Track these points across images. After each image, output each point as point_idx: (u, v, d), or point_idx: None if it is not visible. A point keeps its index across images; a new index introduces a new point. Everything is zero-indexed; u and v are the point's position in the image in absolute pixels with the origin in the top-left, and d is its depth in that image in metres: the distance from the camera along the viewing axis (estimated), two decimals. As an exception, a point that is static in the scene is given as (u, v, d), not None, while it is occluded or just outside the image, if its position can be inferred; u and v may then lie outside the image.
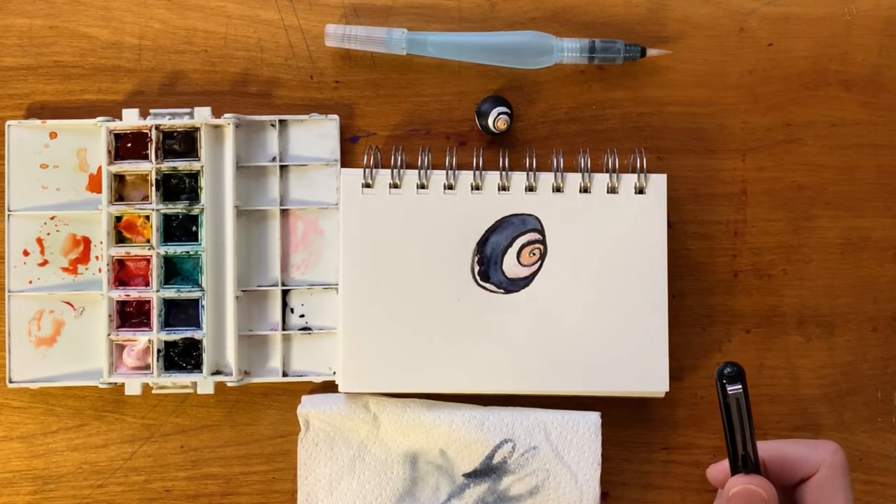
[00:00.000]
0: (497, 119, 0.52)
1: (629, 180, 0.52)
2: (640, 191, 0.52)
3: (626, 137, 0.54)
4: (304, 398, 0.52)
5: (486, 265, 0.51)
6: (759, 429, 0.54)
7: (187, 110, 0.52)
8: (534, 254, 0.51)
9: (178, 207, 0.51)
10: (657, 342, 0.51)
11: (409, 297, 0.51)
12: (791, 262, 0.54)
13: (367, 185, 0.52)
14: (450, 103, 0.54)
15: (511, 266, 0.51)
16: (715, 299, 0.54)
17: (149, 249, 0.51)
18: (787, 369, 0.54)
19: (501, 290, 0.51)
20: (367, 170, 0.52)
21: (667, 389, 0.51)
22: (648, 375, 0.51)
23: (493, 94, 0.54)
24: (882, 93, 0.55)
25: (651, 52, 0.53)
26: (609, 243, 0.51)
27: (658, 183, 0.52)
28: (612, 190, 0.52)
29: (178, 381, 0.52)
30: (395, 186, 0.52)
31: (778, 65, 0.55)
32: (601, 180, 0.52)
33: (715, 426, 0.54)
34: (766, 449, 0.44)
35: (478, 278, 0.51)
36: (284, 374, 0.53)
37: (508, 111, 0.52)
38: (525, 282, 0.51)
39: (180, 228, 0.52)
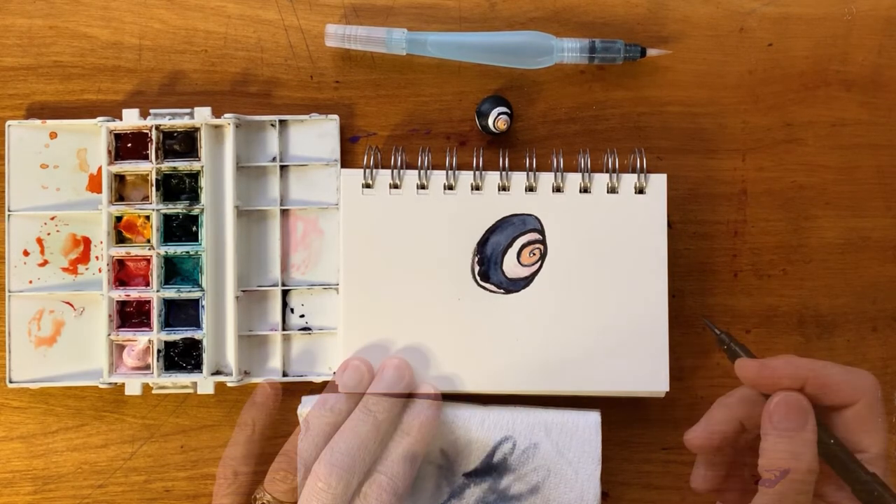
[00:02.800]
0: (497, 119, 0.52)
1: (629, 180, 0.52)
2: (640, 191, 0.52)
3: (626, 137, 0.54)
4: (305, 398, 0.52)
5: (487, 265, 0.51)
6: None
7: (187, 110, 0.52)
8: (534, 254, 0.51)
9: (178, 207, 0.52)
10: (657, 342, 0.51)
11: (410, 297, 0.51)
12: (791, 262, 0.54)
13: (368, 186, 0.52)
14: (450, 103, 0.54)
15: (511, 266, 0.51)
16: (715, 299, 0.54)
17: (149, 249, 0.51)
18: (787, 369, 0.54)
19: (501, 291, 0.51)
20: (367, 170, 0.52)
21: (667, 389, 0.51)
22: (648, 375, 0.51)
23: (493, 94, 0.54)
24: (882, 93, 0.55)
25: (651, 52, 0.53)
26: (609, 243, 0.51)
27: (658, 183, 0.52)
28: (611, 190, 0.52)
29: (178, 381, 0.52)
30: (396, 187, 0.52)
31: (778, 65, 0.55)
32: (601, 180, 0.52)
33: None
34: (807, 367, 0.43)
35: (478, 278, 0.51)
36: (284, 374, 0.53)
37: (508, 111, 0.52)
38: (525, 282, 0.51)
39: (180, 228, 0.52)
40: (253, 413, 0.49)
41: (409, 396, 0.51)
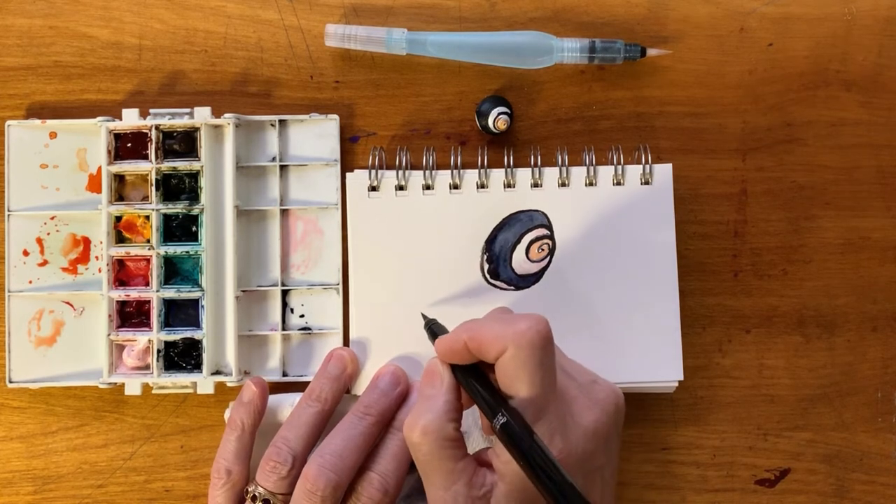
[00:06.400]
0: (497, 119, 0.52)
1: (635, 172, 0.52)
2: (646, 182, 0.52)
3: (626, 137, 0.54)
4: (231, 403, 0.51)
5: (496, 263, 0.51)
6: (759, 429, 0.54)
7: (187, 110, 0.52)
8: (542, 249, 0.51)
9: (178, 207, 0.51)
10: (670, 329, 0.51)
11: (421, 298, 0.51)
12: (791, 262, 0.54)
13: (373, 189, 0.52)
14: (450, 103, 0.54)
15: (520, 262, 0.51)
16: (715, 299, 0.54)
17: (149, 249, 0.51)
18: (787, 369, 0.54)
19: (512, 287, 0.51)
20: (373, 172, 0.51)
21: (681, 378, 0.51)
22: (663, 364, 0.51)
23: (493, 94, 0.54)
24: (882, 93, 0.55)
25: (651, 52, 0.53)
26: (617, 234, 0.51)
27: (664, 173, 0.52)
28: (617, 182, 0.52)
29: (178, 381, 0.51)
30: (401, 188, 0.52)
31: (778, 65, 0.55)
32: (606, 173, 0.52)
33: (715, 427, 0.54)
34: (465, 331, 0.43)
35: (488, 276, 0.51)
36: (284, 374, 0.52)
37: (508, 111, 0.52)
38: (535, 277, 0.51)
39: (180, 228, 0.52)
40: (241, 412, 0.49)
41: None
